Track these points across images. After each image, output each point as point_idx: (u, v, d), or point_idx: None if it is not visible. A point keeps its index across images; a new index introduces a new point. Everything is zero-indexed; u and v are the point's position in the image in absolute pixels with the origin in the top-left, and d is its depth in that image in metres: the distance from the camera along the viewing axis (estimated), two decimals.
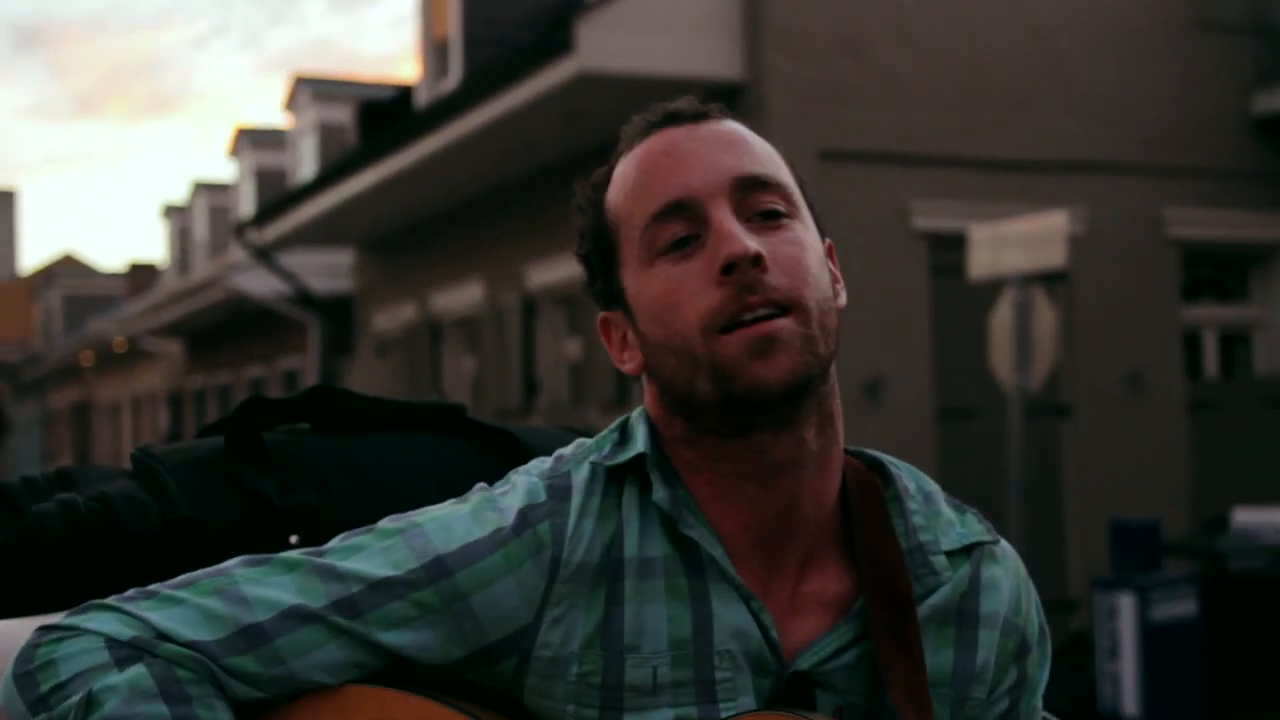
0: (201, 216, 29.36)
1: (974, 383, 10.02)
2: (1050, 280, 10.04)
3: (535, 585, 1.42)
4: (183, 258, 31.21)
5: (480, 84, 12.20)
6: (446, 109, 12.84)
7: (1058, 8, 11.42)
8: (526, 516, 1.44)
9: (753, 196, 1.44)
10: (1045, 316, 8.56)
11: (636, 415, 1.52)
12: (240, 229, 18.98)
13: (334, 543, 1.45)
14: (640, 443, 1.48)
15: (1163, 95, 11.72)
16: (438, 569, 1.41)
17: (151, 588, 1.41)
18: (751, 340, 1.39)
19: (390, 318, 17.26)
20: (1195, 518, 11.29)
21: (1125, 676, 8.18)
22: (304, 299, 19.32)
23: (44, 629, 1.39)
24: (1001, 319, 8.76)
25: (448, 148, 12.73)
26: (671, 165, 1.46)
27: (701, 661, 1.42)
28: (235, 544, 1.54)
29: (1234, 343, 12.75)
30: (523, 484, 1.47)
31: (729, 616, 1.43)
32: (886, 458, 1.57)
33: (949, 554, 1.51)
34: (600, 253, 1.52)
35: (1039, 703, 1.58)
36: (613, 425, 1.54)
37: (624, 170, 1.51)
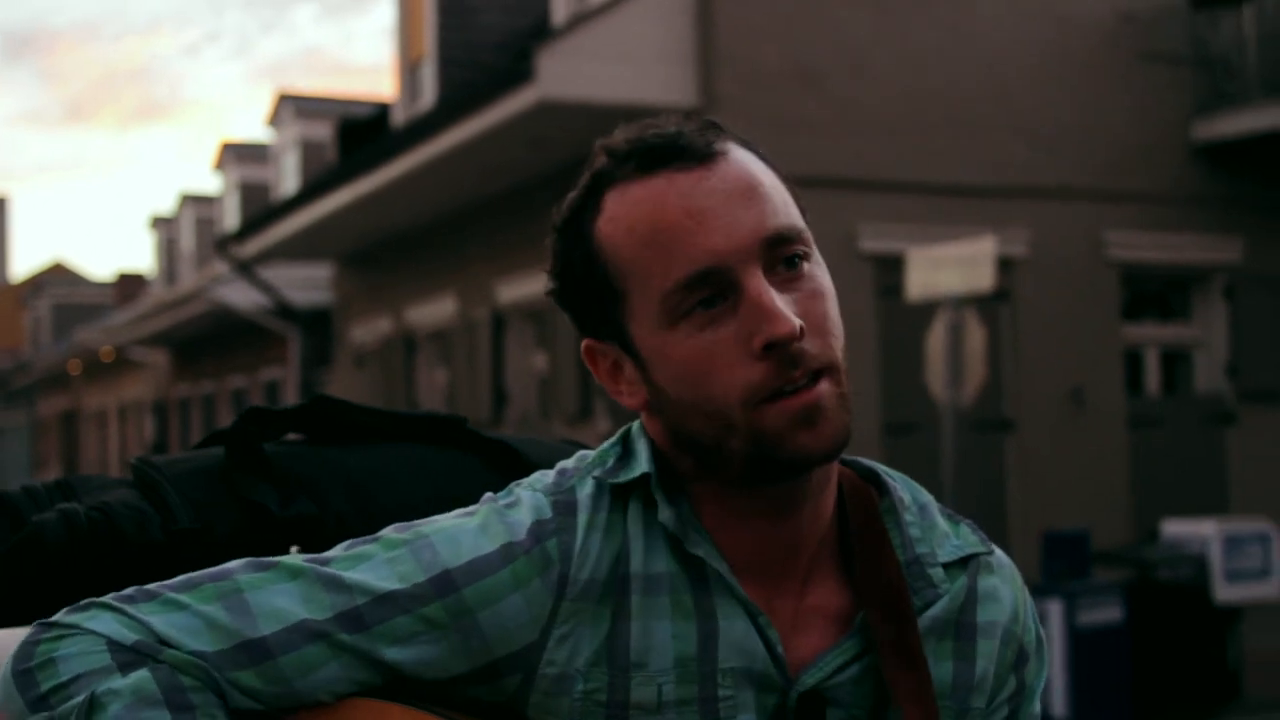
0: (188, 228, 29.78)
1: (916, 399, 10.48)
2: (993, 300, 10.52)
3: (542, 603, 1.40)
4: (170, 268, 31.62)
5: (452, 106, 12.66)
6: (420, 130, 13.30)
7: (1005, 38, 11.90)
8: (534, 533, 1.41)
9: (777, 249, 1.39)
10: (975, 336, 9.01)
11: (637, 429, 1.49)
12: (222, 243, 19.42)
13: (338, 550, 1.43)
14: (644, 462, 1.45)
15: (1105, 123, 12.20)
16: (445, 584, 1.39)
17: (152, 588, 1.39)
18: (797, 411, 1.36)
19: (367, 330, 17.71)
20: (1137, 529, 11.74)
21: (1053, 679, 8.63)
22: (284, 311, 19.76)
23: (43, 624, 1.38)
24: (936, 338, 9.21)
25: (421, 167, 13.19)
26: (693, 227, 1.38)
27: (705, 679, 1.41)
28: (235, 554, 1.51)
29: (1175, 361, 13.23)
30: (528, 499, 1.45)
31: (735, 633, 1.42)
32: (881, 468, 1.55)
33: (945, 566, 1.50)
34: (594, 288, 1.44)
35: (1037, 709, 1.57)
36: (614, 438, 1.51)
37: (629, 214, 1.42)
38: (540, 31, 13.23)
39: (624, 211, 1.41)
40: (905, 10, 11.66)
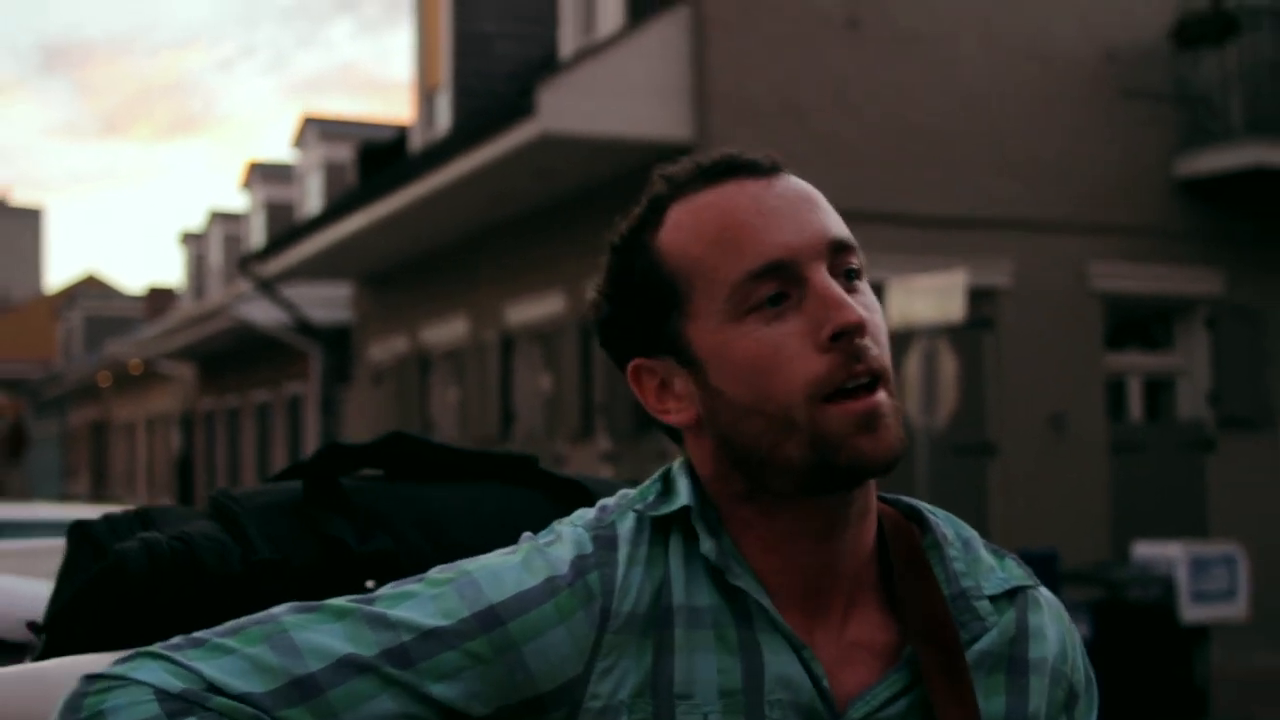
0: (217, 244, 30.42)
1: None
2: (977, 328, 10.97)
3: (586, 635, 1.40)
4: (198, 283, 32.27)
5: (464, 135, 13.19)
6: (434, 156, 13.84)
7: (990, 75, 12.38)
8: (576, 567, 1.42)
9: (840, 258, 1.42)
10: (948, 365, 9.48)
11: (677, 468, 1.50)
12: (245, 261, 20.01)
13: (384, 590, 1.43)
14: (684, 495, 1.46)
15: (1089, 158, 12.66)
16: (490, 618, 1.39)
17: (198, 635, 1.39)
18: (859, 415, 1.37)
19: (384, 349, 18.26)
20: (1115, 552, 12.15)
21: None
22: (305, 329, 20.33)
23: (90, 678, 1.37)
24: (912, 366, 9.68)
25: (435, 193, 13.73)
26: (764, 224, 1.41)
27: (753, 710, 1.41)
28: (313, 587, 1.54)
29: (1159, 389, 13.65)
30: (569, 534, 1.46)
31: (780, 667, 1.42)
32: (923, 505, 1.55)
33: (991, 599, 1.49)
34: (652, 298, 1.46)
35: None
36: (655, 476, 1.52)
37: (696, 218, 1.45)
38: (548, 64, 13.76)
39: (690, 217, 1.44)
40: (890, 48, 12.15)
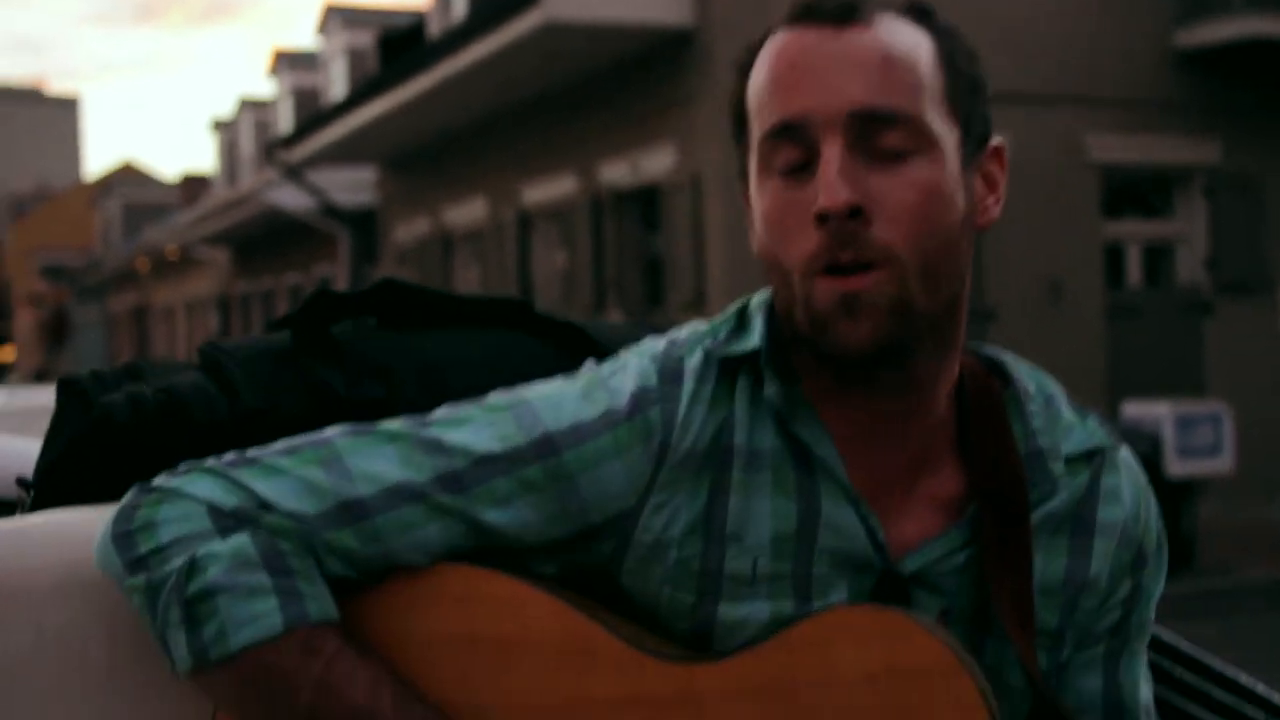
0: (247, 131, 30.78)
1: None
2: None
3: (642, 470, 1.38)
4: (230, 170, 32.70)
5: (477, 22, 13.51)
6: (450, 43, 14.17)
7: None
8: (638, 400, 1.39)
9: (875, 132, 1.33)
10: None
11: (756, 303, 1.46)
12: (272, 148, 20.43)
13: (439, 413, 1.42)
14: (756, 336, 1.42)
15: (1087, 30, 12.90)
16: (546, 446, 1.38)
17: (252, 453, 1.39)
18: (839, 295, 1.32)
19: (408, 230, 18.72)
20: (1112, 415, 12.57)
21: None
22: (332, 212, 20.79)
23: (143, 489, 1.37)
24: None
25: (451, 79, 14.08)
26: (794, 80, 1.35)
27: (801, 557, 1.39)
28: (302, 434, 1.50)
29: (1158, 256, 13.98)
30: (634, 365, 1.43)
31: (836, 517, 1.40)
32: (1008, 356, 1.50)
33: (1068, 459, 1.45)
34: (738, 129, 1.44)
35: (1151, 615, 1.52)
36: (731, 309, 1.49)
37: (764, 60, 1.39)
38: None
39: (763, 59, 1.39)
40: None
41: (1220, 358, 13.40)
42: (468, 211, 16.89)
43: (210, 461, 1.39)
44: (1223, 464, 10.77)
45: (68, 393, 1.66)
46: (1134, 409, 10.89)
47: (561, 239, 14.94)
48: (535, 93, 14.27)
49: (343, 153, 18.86)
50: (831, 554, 1.40)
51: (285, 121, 26.07)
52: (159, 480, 1.37)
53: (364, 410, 1.58)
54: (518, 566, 1.39)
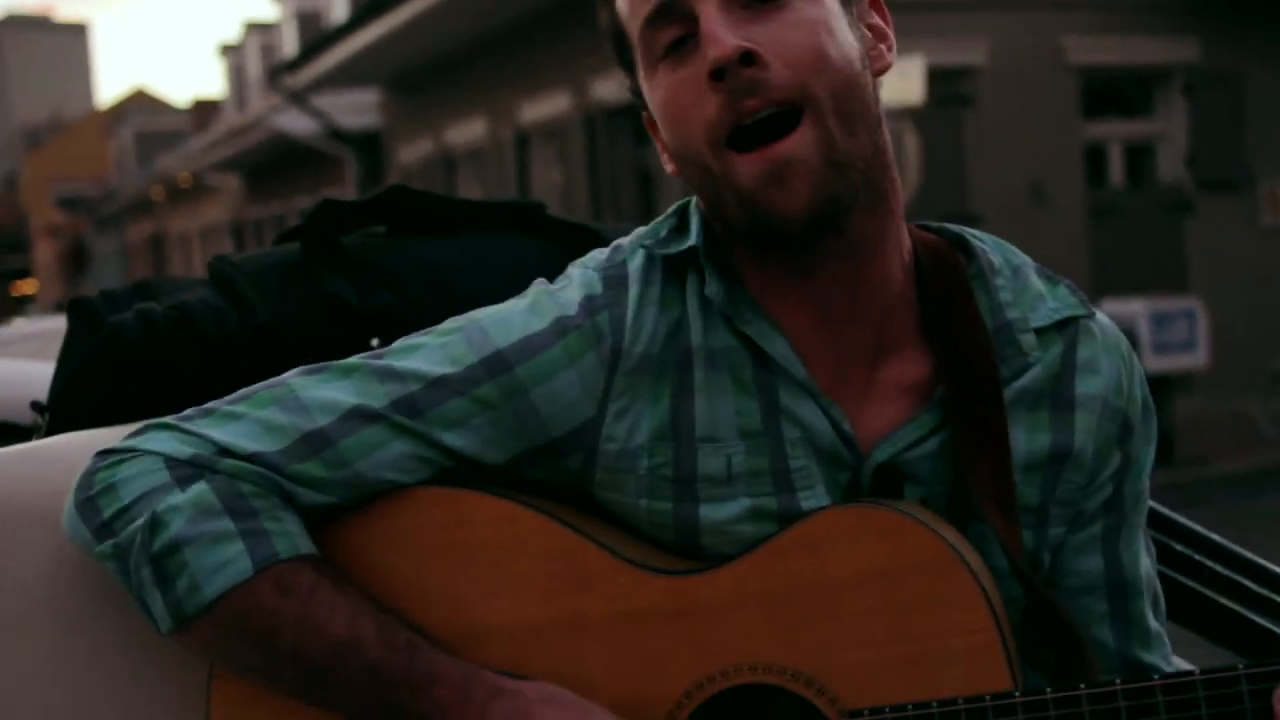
0: (254, 55, 30.97)
1: None
2: (956, 106, 11.61)
3: (596, 377, 1.37)
4: (239, 95, 32.92)
5: None
6: None
7: None
8: (585, 309, 1.38)
9: None
10: (911, 145, 10.19)
11: (694, 204, 1.44)
12: (275, 73, 20.72)
13: (395, 345, 1.40)
14: (693, 234, 1.40)
15: None
16: (497, 363, 1.36)
17: (208, 405, 1.37)
18: (762, 167, 1.29)
19: (412, 151, 19.07)
20: None
21: None
22: (337, 135, 21.10)
23: (101, 454, 1.36)
24: None
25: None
26: None
27: (775, 451, 1.37)
28: (314, 346, 1.50)
29: (1139, 155, 14.26)
30: (579, 276, 1.41)
31: (797, 410, 1.38)
32: (969, 231, 1.47)
33: (1039, 331, 1.41)
34: (619, 55, 1.43)
35: (1145, 485, 1.49)
36: (671, 210, 1.46)
37: None
38: None
39: None
40: None
41: (1201, 255, 13.71)
42: (468, 131, 17.24)
43: (166, 418, 1.38)
44: (1196, 359, 11.13)
45: (78, 313, 1.65)
46: (1110, 306, 11.22)
47: (558, 156, 15.30)
48: (529, 11, 14.56)
49: (346, 76, 19.13)
50: (803, 445, 1.38)
51: (290, 44, 26.29)
52: (116, 443, 1.37)
53: (375, 319, 1.59)
54: (497, 485, 1.39)
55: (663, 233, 1.44)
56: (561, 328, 1.38)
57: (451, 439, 1.36)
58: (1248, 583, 1.81)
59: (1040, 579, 1.41)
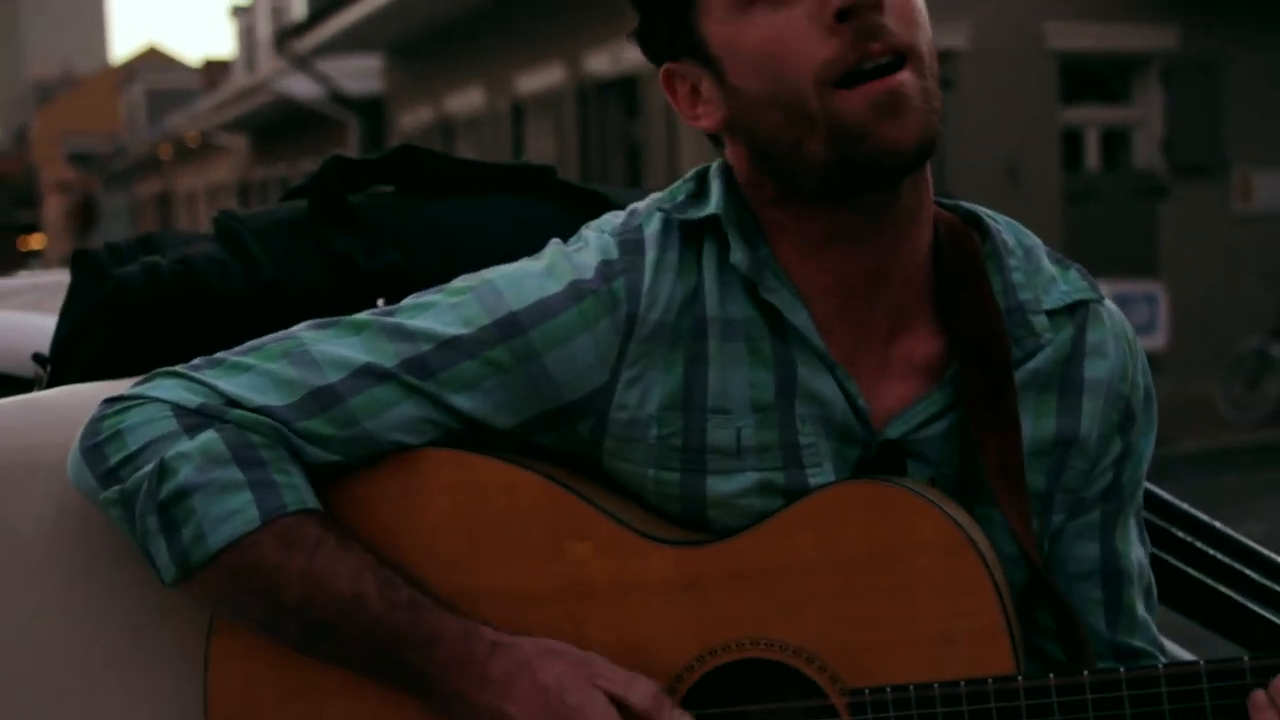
0: (264, 16, 31.17)
1: None
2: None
3: (610, 343, 1.35)
4: (249, 56, 33.17)
5: None
6: None
7: None
8: (602, 273, 1.36)
9: None
10: None
11: (714, 169, 1.42)
12: (283, 37, 21.07)
13: (405, 302, 1.39)
14: (715, 201, 1.38)
15: None
16: (511, 325, 1.34)
17: (217, 356, 1.36)
18: (878, 97, 1.27)
19: (413, 118, 19.46)
20: None
21: None
22: (341, 100, 21.46)
23: (108, 401, 1.34)
24: None
25: None
26: None
27: (785, 425, 1.36)
28: (320, 305, 1.48)
29: (1116, 140, 14.61)
30: (595, 240, 1.39)
31: (813, 382, 1.36)
32: (984, 210, 1.45)
33: (1050, 313, 1.41)
34: (662, 2, 1.38)
35: (1143, 473, 1.48)
36: (689, 175, 1.44)
37: None
38: None
39: None
40: None
41: (1173, 239, 14.07)
42: (466, 100, 17.64)
43: (175, 367, 1.37)
44: (1156, 340, 11.50)
45: (82, 266, 1.63)
46: None
47: (552, 126, 15.69)
48: None
49: (352, 40, 19.47)
50: (815, 421, 1.37)
51: (299, 7, 26.54)
52: (124, 390, 1.36)
53: (382, 279, 1.57)
54: (506, 450, 1.37)
55: (680, 197, 1.42)
56: (577, 292, 1.36)
57: (462, 401, 1.35)
58: (1249, 571, 1.77)
59: (1041, 564, 1.40)
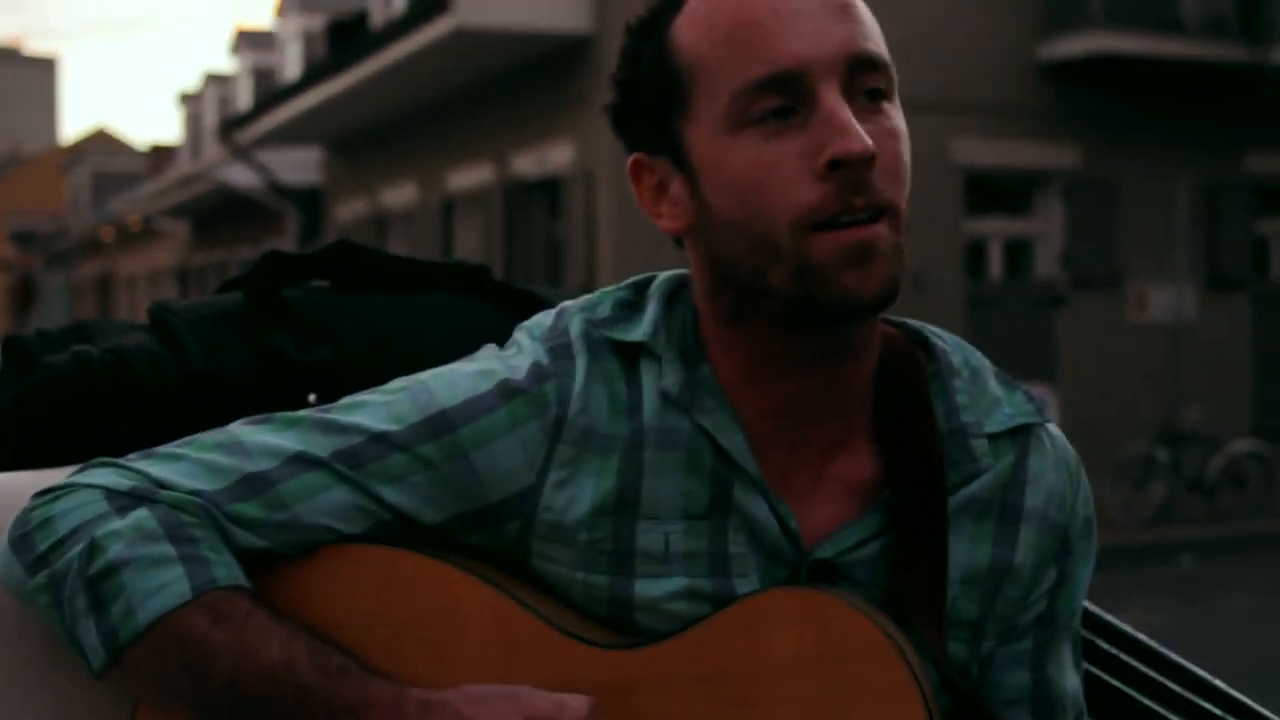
0: (211, 105, 31.71)
1: None
2: None
3: (538, 445, 1.35)
4: (194, 143, 33.66)
5: (411, 15, 14.76)
6: (387, 34, 15.45)
7: None
8: (533, 374, 1.36)
9: (861, 75, 1.28)
10: None
11: (657, 284, 1.41)
12: (227, 127, 21.59)
13: (340, 401, 1.39)
14: (644, 329, 1.37)
15: (954, 40, 14.18)
16: (441, 423, 1.34)
17: (150, 450, 1.36)
18: (850, 245, 1.26)
19: (349, 210, 19.97)
20: None
21: None
22: (280, 190, 21.97)
23: (40, 493, 1.33)
24: None
25: (385, 68, 15.38)
26: (780, 28, 1.27)
27: (716, 535, 1.35)
28: (252, 399, 1.49)
29: (1019, 252, 15.30)
30: (528, 345, 1.39)
31: (746, 503, 1.35)
32: (931, 330, 1.45)
33: (992, 437, 1.39)
34: (656, 92, 1.33)
35: (1079, 603, 1.46)
36: (628, 282, 1.43)
37: (713, 10, 1.31)
38: None
39: (707, 9, 1.32)
40: None
41: (1072, 346, 14.71)
42: (400, 194, 18.20)
43: (105, 459, 1.36)
44: None
45: (11, 352, 1.62)
46: None
47: (480, 223, 16.24)
48: (456, 88, 15.58)
49: (293, 133, 20.04)
50: (747, 535, 1.36)
51: (245, 98, 27.12)
52: (54, 481, 1.34)
53: (313, 374, 1.56)
54: (437, 547, 1.36)
55: (607, 311, 1.40)
56: (508, 392, 1.35)
57: (390, 494, 1.35)
58: (1172, 685, 1.76)
59: (969, 689, 1.40)
